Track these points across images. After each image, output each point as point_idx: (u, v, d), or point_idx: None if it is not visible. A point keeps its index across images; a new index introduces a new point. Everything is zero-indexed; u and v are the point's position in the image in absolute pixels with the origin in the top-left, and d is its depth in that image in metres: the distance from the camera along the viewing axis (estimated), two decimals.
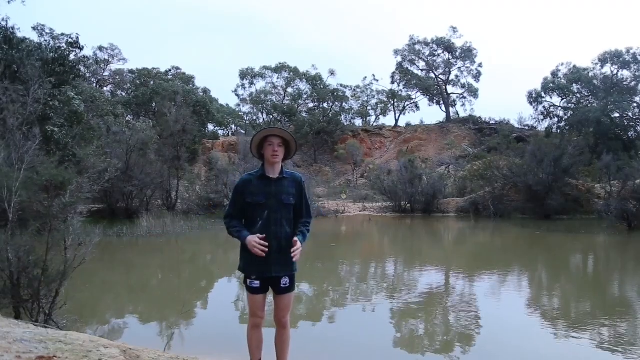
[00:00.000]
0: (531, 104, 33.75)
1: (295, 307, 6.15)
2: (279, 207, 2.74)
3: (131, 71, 39.24)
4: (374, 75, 43.53)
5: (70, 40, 13.91)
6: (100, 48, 38.86)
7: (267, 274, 2.74)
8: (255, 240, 2.63)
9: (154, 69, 39.75)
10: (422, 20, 77.82)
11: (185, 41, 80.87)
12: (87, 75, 26.94)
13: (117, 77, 39.36)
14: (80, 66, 14.20)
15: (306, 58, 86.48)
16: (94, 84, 35.78)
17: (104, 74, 39.82)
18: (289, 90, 41.91)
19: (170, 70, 41.76)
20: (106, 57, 39.46)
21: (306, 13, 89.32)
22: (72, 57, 13.81)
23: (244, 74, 41.77)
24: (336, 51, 72.59)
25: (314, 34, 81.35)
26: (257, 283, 2.73)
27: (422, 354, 4.73)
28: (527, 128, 35.26)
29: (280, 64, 40.99)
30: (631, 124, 31.34)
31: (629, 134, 30.79)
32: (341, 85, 40.39)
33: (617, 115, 30.65)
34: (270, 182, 2.75)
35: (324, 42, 76.23)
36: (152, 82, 36.47)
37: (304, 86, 41.17)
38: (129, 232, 12.66)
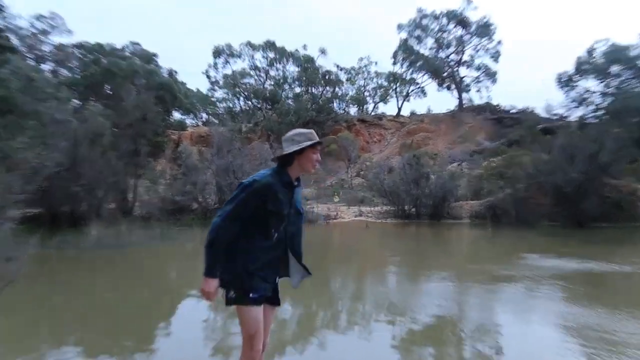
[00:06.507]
0: (561, 89, 33.97)
1: (282, 331, 6.13)
2: (297, 218, 2.96)
3: (78, 46, 38.57)
4: (369, 59, 43.51)
5: None
6: (38, 17, 38.15)
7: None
8: (212, 292, 2.82)
9: (107, 44, 39.20)
10: None
11: (144, 14, 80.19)
12: (21, 48, 26.16)
13: (61, 53, 38.65)
14: (7, 34, 13.62)
15: (300, 35, 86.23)
16: (32, 61, 35.09)
17: (43, 48, 39.05)
18: (272, 72, 41.74)
19: (127, 45, 41.22)
20: (46, 28, 38.73)
21: None
22: None
23: (218, 52, 41.44)
24: (332, 23, 72.57)
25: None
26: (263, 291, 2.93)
27: None
28: (556, 118, 35.56)
29: (267, 41, 40.72)
30: None
31: None
32: (337, 66, 40.35)
33: None
34: (292, 189, 2.90)
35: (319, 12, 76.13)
36: (104, 60, 35.93)
37: (291, 68, 41.04)
38: (74, 243, 12.64)
